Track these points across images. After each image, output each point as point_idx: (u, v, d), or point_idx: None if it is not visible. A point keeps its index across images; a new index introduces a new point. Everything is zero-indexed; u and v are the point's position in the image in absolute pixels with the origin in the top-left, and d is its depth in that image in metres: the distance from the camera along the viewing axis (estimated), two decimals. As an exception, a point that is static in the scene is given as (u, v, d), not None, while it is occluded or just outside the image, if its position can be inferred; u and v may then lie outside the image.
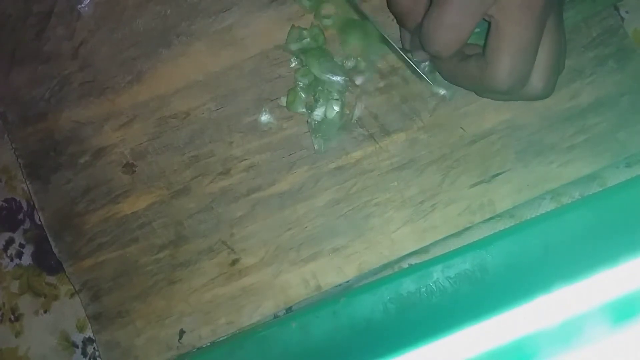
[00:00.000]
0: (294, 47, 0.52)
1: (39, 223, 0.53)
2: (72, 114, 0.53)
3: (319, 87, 0.52)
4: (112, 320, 0.51)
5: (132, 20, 0.54)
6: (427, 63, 0.51)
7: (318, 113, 0.52)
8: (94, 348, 0.53)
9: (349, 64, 0.53)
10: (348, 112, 0.52)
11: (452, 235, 0.52)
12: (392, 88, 0.53)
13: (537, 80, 0.44)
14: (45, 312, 0.53)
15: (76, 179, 0.53)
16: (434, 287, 0.51)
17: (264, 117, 0.53)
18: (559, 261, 0.50)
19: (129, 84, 0.53)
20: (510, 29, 0.41)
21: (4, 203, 0.55)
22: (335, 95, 0.52)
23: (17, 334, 0.53)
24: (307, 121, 0.52)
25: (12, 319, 0.53)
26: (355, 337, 0.50)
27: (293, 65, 0.53)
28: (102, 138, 0.53)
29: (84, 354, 0.53)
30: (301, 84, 0.52)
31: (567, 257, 0.50)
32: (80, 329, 0.53)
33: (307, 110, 0.52)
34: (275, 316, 0.52)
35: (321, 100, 0.52)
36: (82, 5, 0.54)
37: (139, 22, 0.54)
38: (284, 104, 0.52)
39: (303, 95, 0.52)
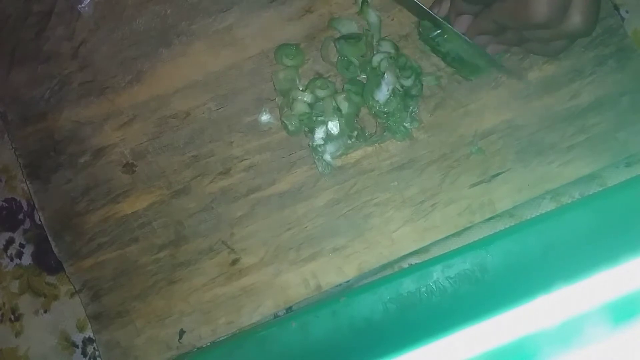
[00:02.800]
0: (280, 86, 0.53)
1: (39, 223, 0.53)
2: (72, 113, 0.53)
3: (314, 111, 0.52)
4: (112, 320, 0.51)
5: (132, 20, 0.54)
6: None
7: (319, 135, 0.52)
8: (94, 348, 0.53)
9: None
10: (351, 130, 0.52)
11: (452, 235, 0.52)
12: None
13: (575, 14, 0.43)
14: (45, 312, 0.53)
15: (76, 178, 0.53)
16: (434, 287, 0.51)
17: (264, 117, 0.53)
18: (559, 261, 0.50)
19: (129, 84, 0.53)
20: None
21: (4, 203, 0.55)
22: (334, 116, 0.52)
23: (17, 334, 0.53)
24: (309, 144, 0.52)
25: (12, 318, 0.53)
26: (355, 337, 0.50)
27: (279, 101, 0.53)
28: (102, 138, 0.53)
29: (84, 353, 0.53)
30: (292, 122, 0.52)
31: (567, 257, 0.50)
32: (80, 328, 0.53)
33: (306, 131, 0.52)
34: (275, 316, 0.52)
35: (320, 121, 0.52)
36: (82, 5, 0.54)
37: (138, 22, 0.54)
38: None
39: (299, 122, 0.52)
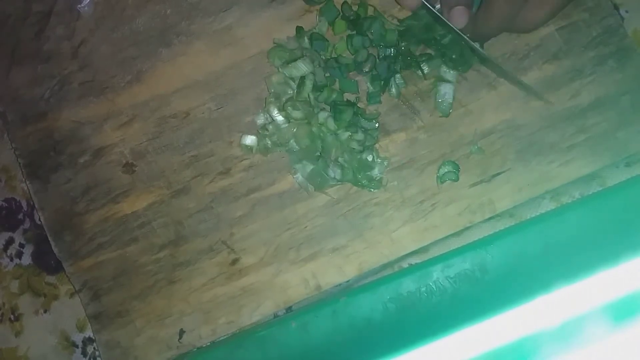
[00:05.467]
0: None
1: (39, 223, 0.53)
2: (72, 113, 0.53)
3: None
4: (112, 319, 0.51)
5: (131, 20, 0.54)
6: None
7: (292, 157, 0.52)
8: (94, 348, 0.53)
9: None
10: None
11: (452, 235, 0.52)
12: (392, 87, 0.53)
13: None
14: (45, 311, 0.53)
15: (76, 178, 0.53)
16: (434, 286, 0.51)
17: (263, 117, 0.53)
18: (559, 261, 0.50)
19: (128, 84, 0.53)
20: None
21: (4, 203, 0.55)
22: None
23: (17, 334, 0.53)
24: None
25: (12, 318, 0.53)
26: (355, 337, 0.50)
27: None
28: (102, 138, 0.53)
29: (84, 353, 0.53)
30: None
31: (567, 257, 0.50)
32: (80, 328, 0.53)
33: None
34: (275, 316, 0.52)
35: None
36: (82, 5, 0.54)
37: (138, 22, 0.54)
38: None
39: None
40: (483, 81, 0.52)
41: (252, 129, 0.52)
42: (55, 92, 0.53)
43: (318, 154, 0.51)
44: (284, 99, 0.51)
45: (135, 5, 0.54)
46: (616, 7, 0.54)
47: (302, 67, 0.51)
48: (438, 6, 0.50)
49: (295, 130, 0.51)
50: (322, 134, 0.51)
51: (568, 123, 0.52)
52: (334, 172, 0.51)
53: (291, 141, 0.51)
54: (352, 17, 0.52)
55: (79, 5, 0.54)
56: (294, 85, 0.51)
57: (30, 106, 0.53)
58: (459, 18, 0.48)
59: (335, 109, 0.50)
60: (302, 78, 0.51)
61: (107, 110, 0.53)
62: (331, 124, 0.50)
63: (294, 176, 0.52)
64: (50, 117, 0.53)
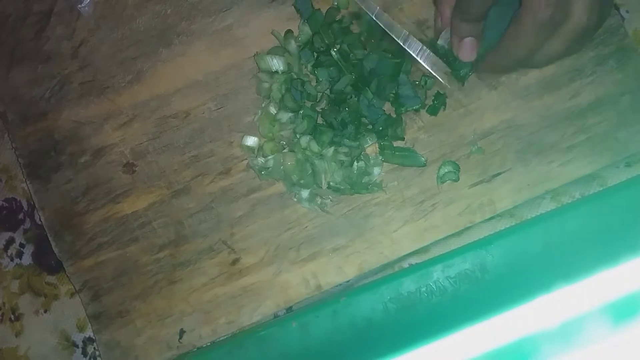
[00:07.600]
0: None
1: (39, 223, 0.53)
2: (72, 113, 0.53)
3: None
4: (112, 319, 0.51)
5: (132, 20, 0.54)
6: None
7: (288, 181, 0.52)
8: (94, 348, 0.53)
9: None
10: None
11: (452, 235, 0.52)
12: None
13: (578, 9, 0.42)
14: (45, 311, 0.53)
15: (76, 178, 0.53)
16: (434, 286, 0.51)
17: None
18: (559, 261, 0.50)
19: (128, 84, 0.53)
20: None
21: (4, 203, 0.55)
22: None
23: (17, 334, 0.53)
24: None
25: (12, 318, 0.53)
26: (355, 337, 0.50)
27: None
28: (102, 137, 0.53)
29: (84, 353, 0.53)
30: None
31: (567, 257, 0.50)
32: (81, 328, 0.53)
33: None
34: (276, 316, 0.52)
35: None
36: (82, 5, 0.54)
37: (138, 22, 0.54)
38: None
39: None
40: (483, 81, 0.52)
41: (252, 129, 0.52)
42: (55, 92, 0.53)
43: (311, 179, 0.51)
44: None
45: (135, 5, 0.54)
46: (616, 7, 0.54)
47: (275, 63, 0.51)
48: (444, 34, 0.50)
49: (282, 160, 0.51)
50: (308, 158, 0.51)
51: (568, 123, 0.52)
52: (331, 195, 0.51)
53: (281, 169, 0.51)
54: (322, 49, 0.52)
55: (79, 5, 0.54)
56: (266, 85, 0.52)
57: (30, 106, 0.53)
58: (468, 50, 0.48)
59: (316, 130, 0.50)
60: (275, 74, 0.51)
61: (108, 110, 0.53)
62: (314, 146, 0.50)
63: (295, 200, 0.52)
64: (50, 117, 0.53)
